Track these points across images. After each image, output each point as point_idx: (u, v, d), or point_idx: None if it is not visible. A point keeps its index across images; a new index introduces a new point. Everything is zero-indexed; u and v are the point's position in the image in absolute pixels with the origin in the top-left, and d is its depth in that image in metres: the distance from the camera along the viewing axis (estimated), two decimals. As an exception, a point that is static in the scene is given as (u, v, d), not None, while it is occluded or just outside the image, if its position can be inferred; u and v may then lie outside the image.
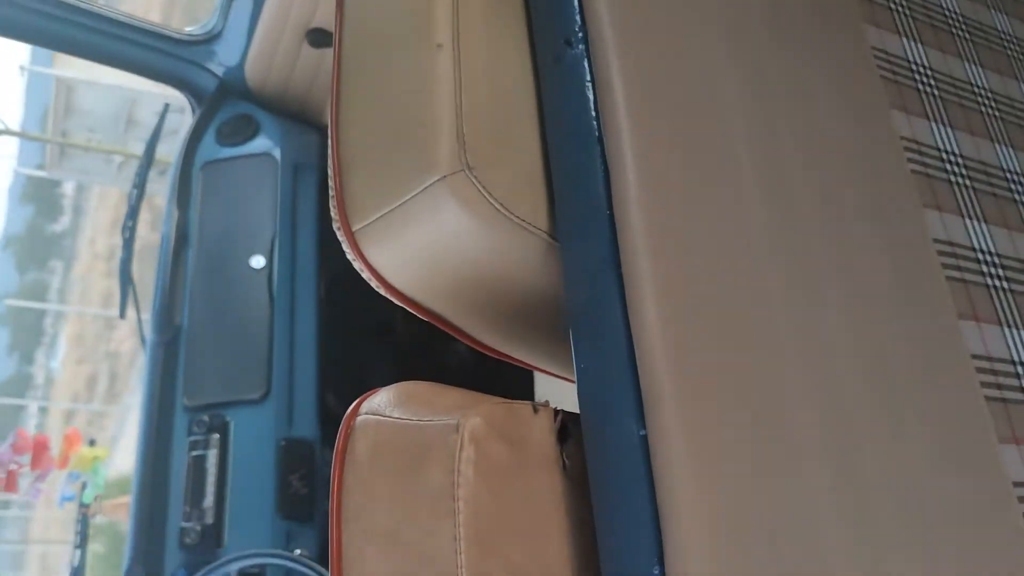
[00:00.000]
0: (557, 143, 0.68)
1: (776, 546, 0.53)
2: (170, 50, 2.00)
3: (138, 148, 9.04)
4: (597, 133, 0.65)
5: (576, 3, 0.69)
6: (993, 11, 1.03)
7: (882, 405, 0.65)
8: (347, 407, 1.86)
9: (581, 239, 0.64)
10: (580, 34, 0.69)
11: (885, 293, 0.71)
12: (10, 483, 1.96)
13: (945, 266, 0.76)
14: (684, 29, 0.71)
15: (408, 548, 0.56)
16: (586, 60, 0.68)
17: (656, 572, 0.52)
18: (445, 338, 0.85)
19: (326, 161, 2.07)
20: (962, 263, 0.77)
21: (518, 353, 0.83)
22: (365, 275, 0.71)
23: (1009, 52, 1.00)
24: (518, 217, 0.66)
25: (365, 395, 0.67)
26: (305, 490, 1.64)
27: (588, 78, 0.67)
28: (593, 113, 0.66)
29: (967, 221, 0.81)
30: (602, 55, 0.67)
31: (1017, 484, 0.68)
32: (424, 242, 0.67)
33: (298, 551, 1.58)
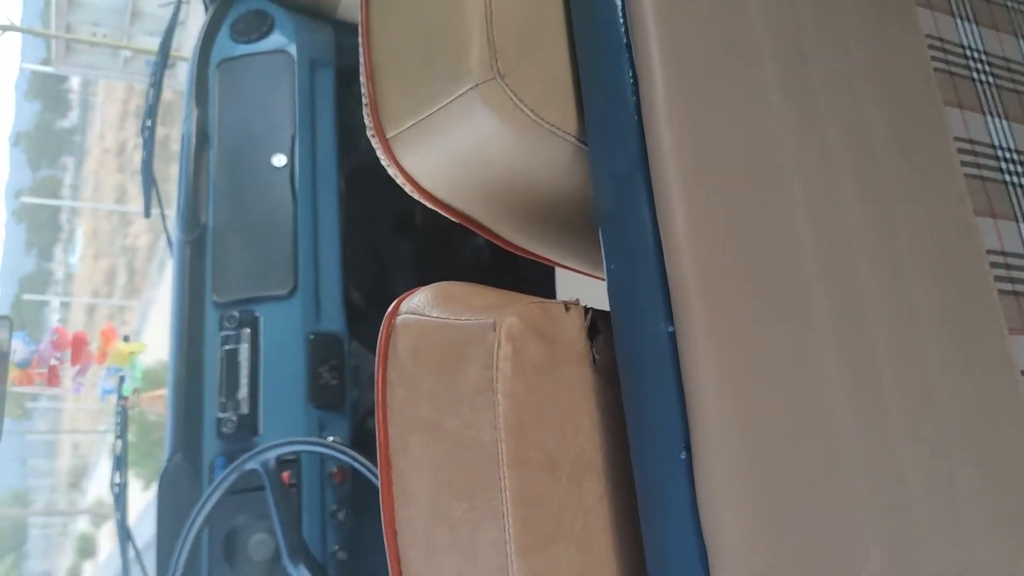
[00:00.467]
0: (586, 50, 0.70)
1: (794, 437, 0.57)
2: None
3: (143, 41, 8.90)
4: (625, 40, 0.66)
5: None
6: None
7: (897, 297, 0.68)
8: (371, 302, 1.93)
9: (610, 145, 0.66)
10: None
11: (903, 189, 0.73)
12: (52, 378, 2.04)
13: (964, 164, 0.78)
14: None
15: (450, 438, 0.60)
16: None
17: (683, 456, 0.56)
18: (464, 232, 0.88)
19: (342, 57, 2.06)
20: (981, 160, 0.79)
21: (546, 252, 0.85)
22: (399, 180, 0.74)
23: None
24: (548, 123, 0.68)
25: (403, 295, 0.70)
26: (335, 381, 1.70)
27: None
28: (621, 20, 0.67)
29: (988, 119, 0.82)
30: None
31: None
32: (456, 148, 0.69)
33: (331, 438, 1.66)
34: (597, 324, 0.68)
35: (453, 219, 0.78)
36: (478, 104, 0.66)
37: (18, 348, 1.94)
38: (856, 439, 0.59)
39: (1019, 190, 0.79)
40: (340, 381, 1.69)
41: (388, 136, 0.71)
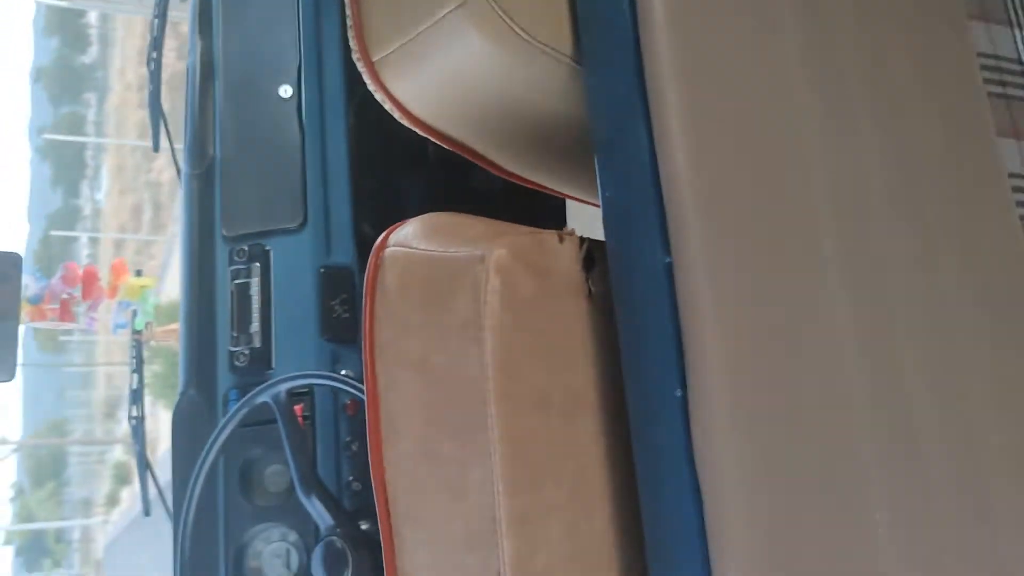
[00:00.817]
0: None
1: (794, 374, 0.55)
2: None
3: (158, -29, 8.72)
4: None
5: None
6: None
7: (911, 227, 0.65)
8: (382, 233, 1.88)
9: (606, 65, 0.62)
10: None
11: (920, 113, 0.68)
12: (65, 313, 2.05)
13: (987, 81, 0.73)
14: None
15: (438, 374, 0.58)
16: None
17: (679, 394, 0.54)
18: (478, 165, 0.85)
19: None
20: (1007, 77, 0.74)
21: (543, 179, 0.82)
22: (387, 106, 0.70)
23: None
24: (540, 42, 0.64)
25: (392, 227, 0.68)
26: (347, 314, 1.69)
27: None
28: None
29: (1016, 32, 0.76)
30: None
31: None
32: (445, 71, 0.65)
33: (344, 372, 1.66)
34: (594, 255, 0.65)
35: (446, 146, 0.75)
36: (466, 23, 0.63)
37: (29, 284, 1.94)
38: (860, 374, 0.57)
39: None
40: (352, 314, 1.68)
41: (373, 59, 0.67)
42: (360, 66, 0.68)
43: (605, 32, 0.63)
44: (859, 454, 0.56)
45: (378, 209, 1.86)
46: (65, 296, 2.01)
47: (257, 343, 1.63)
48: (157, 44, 2.01)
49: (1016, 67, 0.76)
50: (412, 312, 0.61)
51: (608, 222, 0.61)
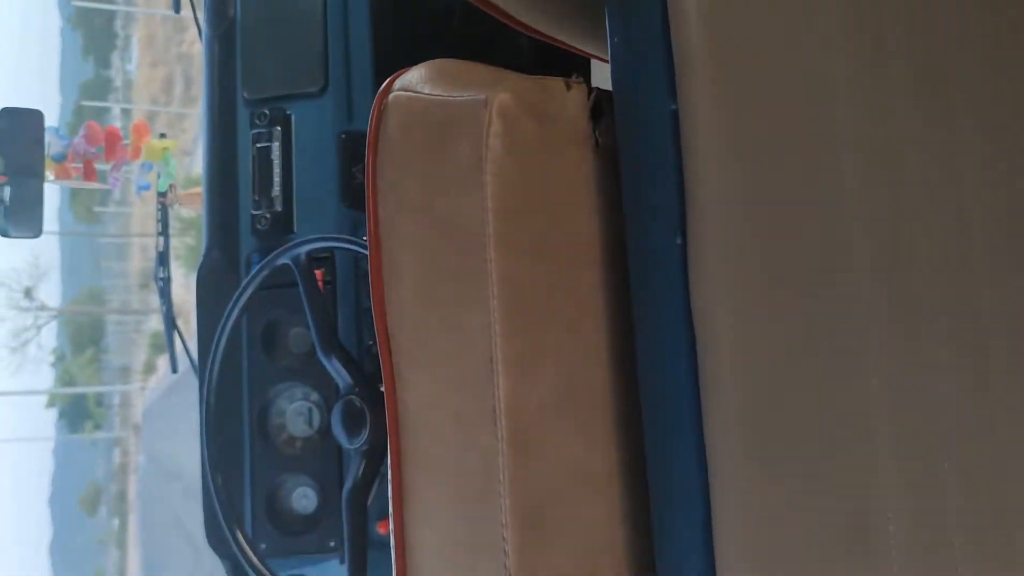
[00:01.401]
0: None
1: (797, 225, 0.54)
2: None
3: None
4: None
5: None
6: None
7: (932, 93, 0.62)
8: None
9: None
10: None
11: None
12: (88, 172, 2.06)
13: None
14: None
15: (439, 218, 0.58)
16: None
17: (679, 242, 0.54)
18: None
19: None
20: None
21: (556, 32, 0.80)
22: None
23: None
24: None
25: (397, 73, 0.67)
26: (368, 181, 1.69)
27: None
28: None
29: None
30: None
31: None
32: None
33: (365, 238, 1.67)
34: (602, 106, 0.63)
35: None
36: None
37: (52, 142, 1.94)
38: (865, 235, 0.56)
39: None
40: None
41: None
42: None
43: None
44: (858, 306, 0.56)
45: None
46: (89, 156, 2.02)
47: (278, 207, 1.63)
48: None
49: None
50: (414, 156, 0.61)
51: (615, 68, 0.59)
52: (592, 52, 0.86)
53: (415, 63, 1.82)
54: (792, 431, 0.53)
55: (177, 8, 2.03)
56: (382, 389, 1.54)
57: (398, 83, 0.65)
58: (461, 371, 0.56)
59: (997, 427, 0.60)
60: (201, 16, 1.83)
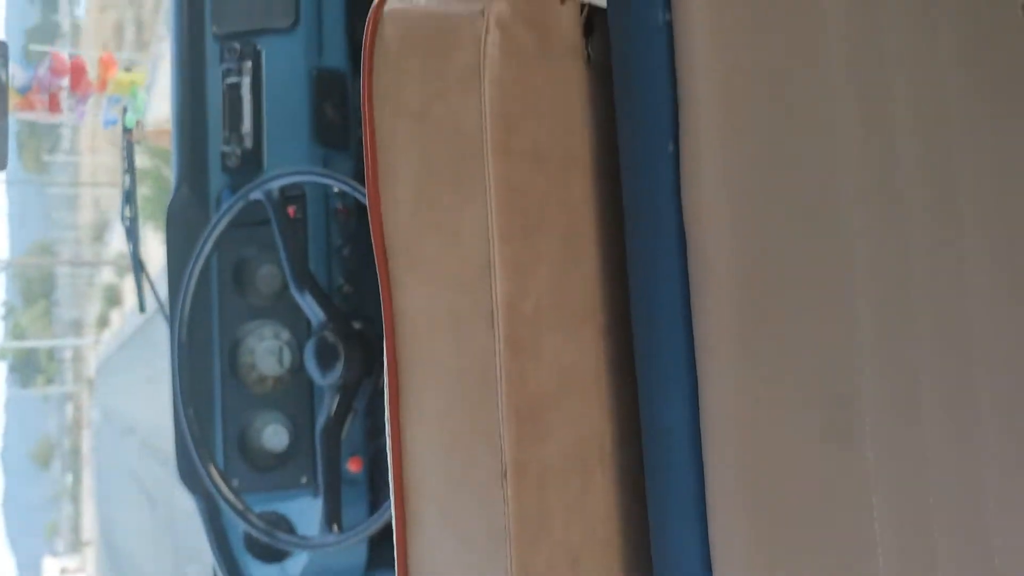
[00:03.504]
0: None
1: (785, 138, 0.56)
2: None
3: None
4: None
5: None
6: None
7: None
8: (376, 37, 1.80)
9: None
10: None
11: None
12: (53, 104, 2.01)
13: None
14: None
15: (437, 123, 0.59)
16: None
17: (670, 148, 0.55)
18: None
19: None
20: None
21: None
22: None
23: None
24: None
25: None
26: (339, 119, 1.68)
27: None
28: None
29: None
30: None
31: None
32: None
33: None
34: (593, 22, 0.64)
35: None
36: None
37: (16, 73, 1.89)
38: (857, 148, 0.58)
39: None
40: (344, 119, 1.67)
41: None
42: None
43: None
44: (846, 222, 0.58)
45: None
46: (54, 88, 1.98)
47: (248, 144, 1.62)
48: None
49: None
50: (411, 63, 0.61)
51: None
52: None
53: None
54: (781, 329, 0.55)
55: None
56: (355, 326, 1.55)
57: None
58: (458, 274, 0.57)
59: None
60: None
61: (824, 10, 0.58)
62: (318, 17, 1.70)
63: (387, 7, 0.64)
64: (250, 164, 1.63)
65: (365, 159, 0.63)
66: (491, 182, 0.57)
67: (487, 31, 0.57)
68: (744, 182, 0.55)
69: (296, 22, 1.67)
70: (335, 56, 1.70)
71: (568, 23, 0.62)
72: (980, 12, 0.67)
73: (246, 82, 1.64)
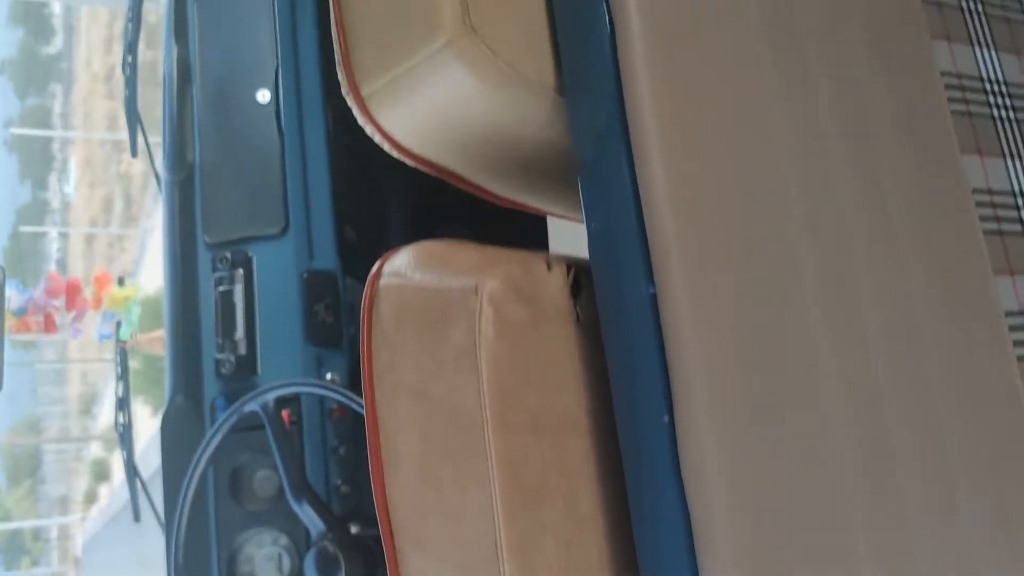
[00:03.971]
0: (561, 1, 0.67)
1: (778, 405, 0.57)
2: None
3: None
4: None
5: None
6: None
7: (883, 246, 0.68)
8: (364, 236, 1.92)
9: (588, 99, 0.64)
10: None
11: (889, 134, 0.72)
12: (48, 325, 2.04)
13: (951, 99, 0.76)
14: None
15: (435, 402, 0.61)
16: None
17: (666, 420, 0.57)
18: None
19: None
20: (969, 95, 0.77)
21: (530, 200, 0.85)
22: (377, 138, 0.72)
23: None
24: (525, 76, 0.66)
25: (386, 255, 0.70)
26: (331, 318, 1.71)
27: None
28: None
29: (976, 49, 0.80)
30: None
31: (1009, 314, 0.71)
32: (433, 104, 0.68)
33: (329, 375, 1.68)
34: (580, 281, 0.67)
35: (433, 174, 0.77)
36: (452, 60, 0.65)
37: (13, 296, 1.93)
38: (843, 405, 0.60)
39: (1008, 124, 0.78)
40: (336, 318, 1.70)
41: (363, 94, 0.69)
42: (349, 100, 0.70)
43: (587, 66, 0.65)
44: (839, 474, 0.59)
45: (360, 211, 1.88)
46: (49, 309, 2.01)
47: (242, 350, 1.64)
48: (132, 48, 2.01)
49: (977, 84, 0.79)
50: (408, 342, 0.63)
51: (593, 251, 0.64)
52: (555, 212, 0.91)
53: (374, 199, 1.88)
54: None
55: (133, 152, 2.06)
56: (355, 532, 1.53)
57: (387, 267, 0.68)
58: (465, 554, 0.58)
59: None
60: (159, 163, 1.86)
61: (805, 292, 0.61)
62: (307, 221, 1.75)
63: (381, 283, 0.67)
64: (244, 370, 1.64)
65: (368, 434, 0.64)
66: (492, 460, 0.58)
67: (481, 310, 0.60)
68: (741, 458, 0.56)
69: (286, 228, 1.73)
70: (325, 257, 1.75)
71: (556, 287, 0.65)
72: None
73: (238, 289, 1.68)
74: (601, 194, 0.63)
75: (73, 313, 2.08)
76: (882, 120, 0.71)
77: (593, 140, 0.64)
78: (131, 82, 1.98)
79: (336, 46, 0.71)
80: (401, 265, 0.67)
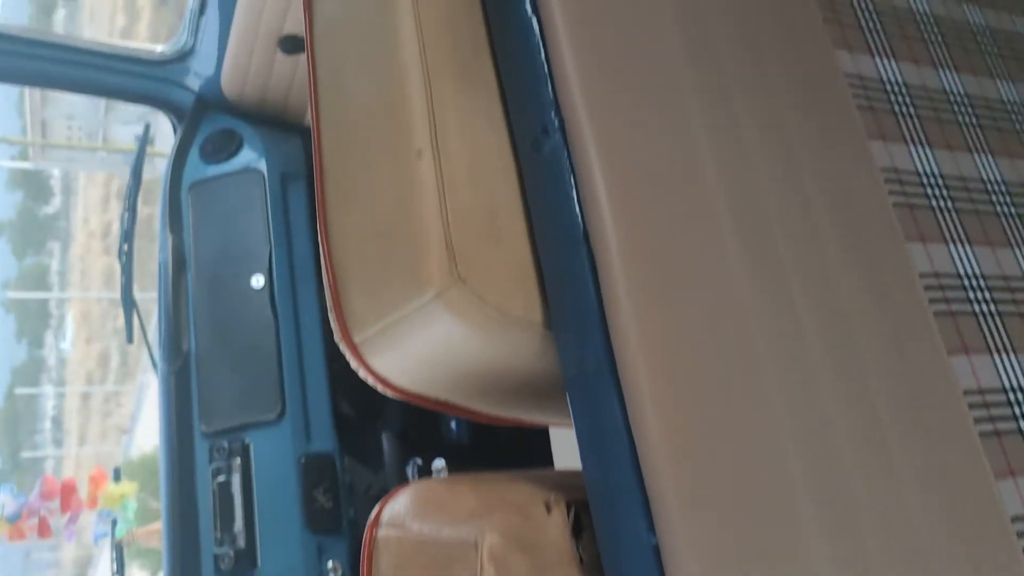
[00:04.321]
0: (544, 240, 0.70)
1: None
2: (145, 72, 1.98)
3: (119, 131, 8.95)
4: (582, 229, 0.66)
5: (550, 90, 0.70)
6: (966, 6, 1.02)
7: (871, 446, 0.68)
8: (361, 414, 1.90)
9: (575, 339, 0.66)
10: (556, 121, 0.69)
11: (874, 338, 0.73)
12: (43, 529, 2.01)
13: (933, 300, 0.78)
14: (660, 111, 0.71)
15: None
16: (565, 151, 0.68)
17: None
18: None
19: (312, 167, 2.07)
20: (949, 293, 0.79)
21: (525, 416, 0.85)
22: (370, 380, 0.73)
23: (983, 48, 1.00)
24: (513, 316, 0.67)
25: (384, 499, 0.70)
26: (330, 503, 1.68)
27: (569, 170, 0.68)
28: (577, 209, 0.67)
29: (952, 247, 0.82)
30: (580, 145, 0.68)
31: (1016, 519, 0.71)
32: (424, 349, 0.69)
33: (330, 563, 1.64)
34: (581, 519, 0.67)
35: (428, 407, 0.77)
36: (442, 311, 0.66)
37: (7, 502, 1.90)
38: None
39: (944, 212, 0.81)
40: (335, 503, 1.67)
41: (355, 341, 0.71)
42: (342, 347, 0.71)
43: (572, 307, 0.67)
44: None
45: (355, 389, 1.88)
46: (44, 512, 1.98)
47: (241, 543, 1.60)
48: (128, 237, 2.05)
49: (956, 281, 0.81)
50: None
51: (591, 494, 0.63)
52: (549, 423, 0.91)
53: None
54: None
55: (129, 338, 2.07)
56: None
57: (386, 515, 0.68)
58: None
59: None
60: (156, 352, 1.87)
61: (800, 523, 0.61)
62: (303, 404, 1.75)
63: (381, 533, 0.66)
64: (244, 564, 1.61)
65: None
66: None
67: (481, 567, 0.59)
68: None
69: (282, 413, 1.72)
70: (323, 439, 1.74)
71: (557, 531, 0.64)
72: None
73: (236, 479, 1.66)
74: (594, 435, 0.63)
75: (68, 515, 2.04)
76: (863, 321, 0.72)
77: (583, 383, 0.65)
78: (127, 270, 2.01)
79: (327, 293, 0.73)
80: (399, 513, 0.67)
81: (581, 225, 0.67)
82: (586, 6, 0.71)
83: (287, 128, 2.10)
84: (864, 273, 0.76)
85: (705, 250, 0.69)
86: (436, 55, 0.72)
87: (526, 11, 0.71)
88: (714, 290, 0.67)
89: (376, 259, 0.70)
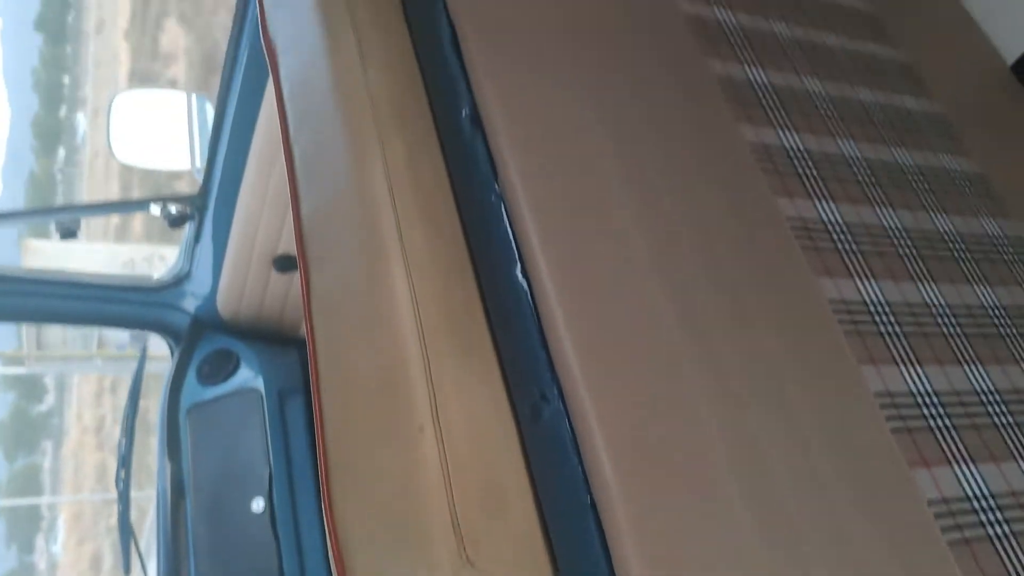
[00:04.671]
0: (551, 511, 0.70)
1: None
2: (142, 299, 2.02)
3: (113, 334, 9.03)
4: (589, 499, 0.66)
5: (546, 359, 0.71)
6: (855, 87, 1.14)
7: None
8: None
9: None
10: (554, 389, 0.71)
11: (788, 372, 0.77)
12: None
13: (836, 311, 0.86)
14: (659, 375, 0.73)
15: None
16: (565, 419, 0.69)
17: None
18: None
19: (308, 381, 2.08)
20: (857, 317, 0.87)
21: None
22: None
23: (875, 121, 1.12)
24: None
25: None
26: None
27: (571, 438, 0.69)
28: (583, 478, 0.67)
29: (857, 282, 0.91)
30: (580, 413, 0.69)
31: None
32: None
33: None
34: None
35: None
36: None
37: None
38: None
39: (892, 335, 0.87)
40: None
41: None
42: None
43: (583, 571, 0.66)
44: None
45: None
46: None
47: None
48: (125, 463, 2.03)
49: (862, 307, 0.89)
50: None
51: None
52: None
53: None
54: None
55: (126, 569, 2.02)
56: None
57: None
58: None
59: None
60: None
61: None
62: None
63: None
64: None
65: None
66: None
67: None
68: None
69: None
70: None
71: None
72: None
73: None
74: None
75: None
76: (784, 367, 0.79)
77: None
78: (124, 497, 1.99)
79: (333, 570, 0.72)
80: None
81: (588, 495, 0.67)
82: (575, 267, 0.74)
83: (283, 342, 2.13)
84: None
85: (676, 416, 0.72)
86: (431, 322, 0.74)
87: (516, 276, 0.74)
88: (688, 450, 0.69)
89: (383, 541, 0.69)
